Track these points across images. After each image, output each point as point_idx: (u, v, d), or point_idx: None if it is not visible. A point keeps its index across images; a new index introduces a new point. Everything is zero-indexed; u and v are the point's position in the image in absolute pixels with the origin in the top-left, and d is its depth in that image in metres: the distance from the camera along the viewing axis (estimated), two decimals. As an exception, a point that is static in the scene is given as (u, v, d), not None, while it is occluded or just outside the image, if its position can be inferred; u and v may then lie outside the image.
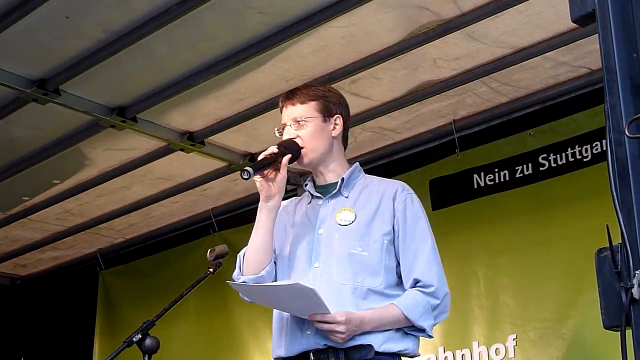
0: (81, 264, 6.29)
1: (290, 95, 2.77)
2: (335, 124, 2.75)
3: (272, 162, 2.62)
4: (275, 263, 2.72)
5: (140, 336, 2.77)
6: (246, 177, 2.51)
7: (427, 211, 2.76)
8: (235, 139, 4.59)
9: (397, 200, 2.69)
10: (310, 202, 2.78)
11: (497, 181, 4.25)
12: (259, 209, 2.67)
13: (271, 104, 4.03)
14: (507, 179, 4.21)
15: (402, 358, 2.63)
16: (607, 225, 1.49)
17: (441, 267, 2.66)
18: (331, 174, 2.76)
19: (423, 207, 2.75)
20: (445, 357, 4.20)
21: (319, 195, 2.76)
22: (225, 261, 3.06)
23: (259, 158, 2.64)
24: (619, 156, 1.50)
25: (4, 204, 5.37)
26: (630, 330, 1.43)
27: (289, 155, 2.64)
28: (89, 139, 4.43)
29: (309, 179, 2.84)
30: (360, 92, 4.07)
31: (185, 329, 5.44)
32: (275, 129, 2.79)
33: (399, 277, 2.65)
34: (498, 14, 3.47)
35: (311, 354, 2.55)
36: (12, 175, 4.82)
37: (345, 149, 2.84)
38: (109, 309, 6.04)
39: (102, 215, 5.56)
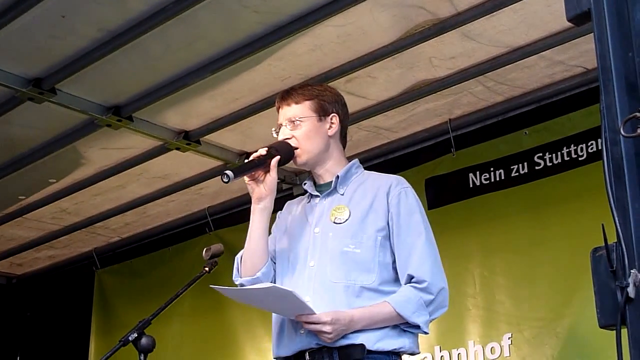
0: (77, 263, 6.28)
1: (286, 96, 2.77)
2: (332, 123, 2.75)
3: (259, 164, 2.60)
4: (275, 263, 2.73)
5: (136, 335, 2.76)
6: (226, 180, 2.50)
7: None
8: (230, 138, 4.59)
9: (390, 195, 2.66)
10: (309, 201, 2.79)
11: (492, 180, 4.25)
12: (251, 211, 2.67)
13: (266, 103, 4.03)
14: (503, 178, 4.20)
15: (403, 356, 2.61)
16: (602, 225, 1.49)
17: (437, 261, 2.62)
18: (328, 172, 2.76)
19: (420, 201, 2.71)
20: (442, 356, 4.20)
21: (316, 194, 2.76)
22: (221, 260, 3.06)
23: (246, 161, 2.64)
24: (615, 155, 1.50)
25: (0, 203, 5.36)
26: (626, 329, 1.43)
27: (278, 157, 2.62)
28: (84, 138, 4.42)
29: (308, 178, 2.84)
30: (356, 91, 4.07)
31: (181, 328, 5.43)
32: (273, 129, 2.79)
33: (396, 272, 2.61)
34: (494, 13, 3.47)
35: (307, 354, 2.55)
36: (7, 174, 4.81)
37: (344, 147, 2.83)
38: (105, 308, 6.03)
39: (98, 214, 5.55)
